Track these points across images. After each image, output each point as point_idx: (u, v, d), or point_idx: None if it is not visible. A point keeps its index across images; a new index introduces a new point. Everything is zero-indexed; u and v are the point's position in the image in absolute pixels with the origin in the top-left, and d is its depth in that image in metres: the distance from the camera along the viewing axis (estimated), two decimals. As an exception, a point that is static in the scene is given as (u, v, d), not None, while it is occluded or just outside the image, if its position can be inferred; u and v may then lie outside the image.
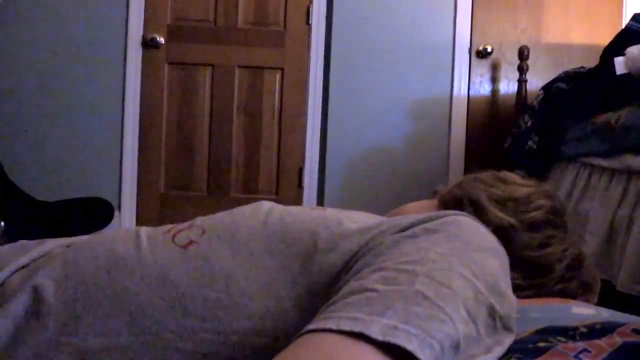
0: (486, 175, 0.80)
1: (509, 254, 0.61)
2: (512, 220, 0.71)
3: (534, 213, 0.72)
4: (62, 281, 0.57)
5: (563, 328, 0.54)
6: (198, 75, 2.91)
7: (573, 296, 0.73)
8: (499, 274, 0.52)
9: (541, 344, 0.50)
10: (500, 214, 0.71)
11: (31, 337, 0.54)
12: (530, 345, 0.50)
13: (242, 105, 2.94)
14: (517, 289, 0.67)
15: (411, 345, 0.39)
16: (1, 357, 0.53)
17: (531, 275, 0.70)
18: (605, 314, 0.59)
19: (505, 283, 0.53)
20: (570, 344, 0.51)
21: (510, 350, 0.49)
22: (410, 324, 0.41)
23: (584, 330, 0.53)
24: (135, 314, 0.54)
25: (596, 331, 0.53)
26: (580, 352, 0.51)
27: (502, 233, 0.67)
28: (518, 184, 0.77)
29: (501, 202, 0.73)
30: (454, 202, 0.75)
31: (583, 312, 0.59)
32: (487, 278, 0.50)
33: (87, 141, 2.84)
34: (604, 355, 0.51)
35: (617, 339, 0.53)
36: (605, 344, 0.52)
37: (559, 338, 0.52)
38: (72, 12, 2.81)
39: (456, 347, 0.43)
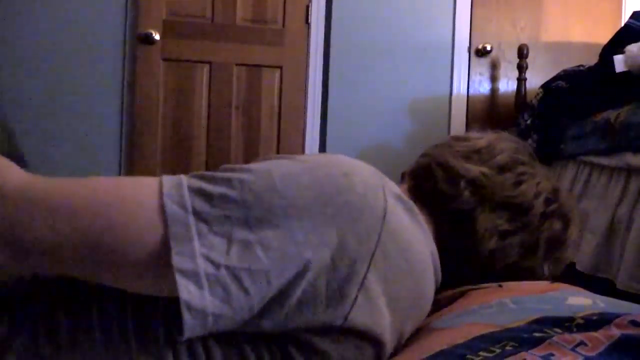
0: (445, 139, 0.82)
1: (487, 202, 0.67)
2: (482, 168, 0.72)
3: (499, 156, 0.74)
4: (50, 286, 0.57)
5: (559, 318, 0.53)
6: (195, 72, 2.89)
7: (559, 238, 0.74)
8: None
9: (537, 334, 0.49)
10: (469, 166, 0.72)
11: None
12: (525, 335, 0.49)
13: (241, 104, 2.93)
14: (507, 235, 0.70)
15: None
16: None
17: (514, 217, 0.71)
18: (602, 304, 0.58)
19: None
20: (567, 336, 0.50)
21: (504, 338, 0.48)
22: None
23: (581, 321, 0.52)
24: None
25: (593, 323, 0.52)
26: (577, 344, 0.50)
27: (476, 183, 0.70)
28: (477, 137, 0.79)
29: (466, 156, 0.74)
30: (423, 170, 0.76)
31: (579, 302, 0.59)
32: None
33: (87, 140, 2.84)
34: (601, 348, 0.50)
35: (614, 332, 0.52)
36: (602, 336, 0.51)
37: (555, 329, 0.51)
38: (71, 10, 2.80)
39: None
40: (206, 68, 2.89)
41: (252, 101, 2.93)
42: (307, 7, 2.95)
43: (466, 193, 0.70)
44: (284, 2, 2.93)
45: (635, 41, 2.07)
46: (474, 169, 0.71)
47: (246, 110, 2.93)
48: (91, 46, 2.81)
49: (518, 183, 0.72)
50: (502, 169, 0.73)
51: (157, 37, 2.80)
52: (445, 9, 3.02)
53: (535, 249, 0.73)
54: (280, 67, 2.94)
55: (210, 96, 2.90)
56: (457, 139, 0.80)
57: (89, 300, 0.55)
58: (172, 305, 0.48)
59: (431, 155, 0.77)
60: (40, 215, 0.48)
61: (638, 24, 2.26)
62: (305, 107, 2.97)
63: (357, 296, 0.52)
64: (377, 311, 0.54)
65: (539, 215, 0.72)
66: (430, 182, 0.73)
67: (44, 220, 0.48)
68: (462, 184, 0.70)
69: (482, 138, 0.78)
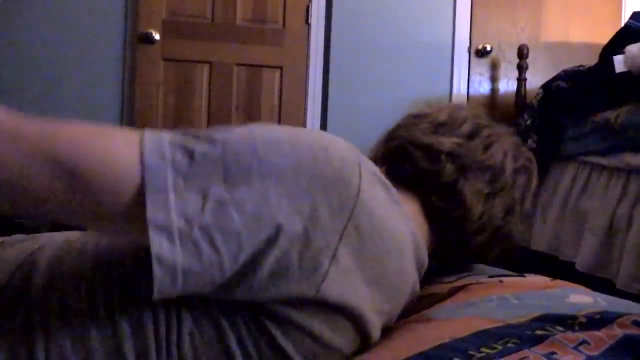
0: (404, 119, 0.84)
1: (467, 170, 0.70)
2: (454, 139, 0.74)
3: (465, 125, 0.76)
4: (46, 277, 0.58)
5: (562, 316, 0.53)
6: (195, 72, 2.88)
7: (526, 191, 0.78)
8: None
9: (539, 332, 0.49)
10: (442, 140, 0.74)
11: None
12: (528, 332, 0.49)
13: (241, 104, 2.93)
14: (489, 197, 0.73)
15: None
16: None
17: (491, 179, 0.74)
18: (603, 302, 0.58)
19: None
20: (570, 335, 0.50)
21: (506, 335, 0.48)
22: None
23: (583, 320, 0.52)
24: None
25: (595, 321, 0.52)
26: (580, 344, 0.50)
27: (454, 154, 0.73)
28: (435, 111, 0.80)
29: (434, 131, 0.76)
30: (397, 153, 0.78)
31: (580, 300, 0.59)
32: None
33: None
34: (604, 348, 0.50)
35: (617, 331, 0.52)
36: (605, 335, 0.51)
37: (557, 327, 0.51)
38: (71, 10, 2.80)
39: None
40: (206, 68, 2.89)
41: (252, 101, 2.93)
42: (307, 7, 2.94)
43: (448, 166, 0.72)
44: (284, 2, 2.93)
45: (635, 41, 2.07)
46: (447, 141, 0.74)
47: (246, 110, 2.93)
48: (91, 46, 2.80)
49: (488, 146, 0.75)
50: (470, 136, 0.75)
51: (157, 37, 2.80)
52: (445, 9, 3.01)
53: (513, 208, 0.77)
54: (280, 67, 2.94)
55: (211, 96, 2.89)
56: (417, 116, 0.82)
57: (80, 275, 0.56)
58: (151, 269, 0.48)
59: (401, 137, 0.79)
60: (22, 155, 0.47)
61: (638, 24, 2.26)
62: (305, 107, 2.96)
63: (329, 268, 0.52)
64: (350, 284, 0.54)
65: (512, 173, 0.76)
66: (409, 164, 0.75)
67: (26, 161, 0.47)
68: (443, 157, 0.72)
69: (441, 111, 0.80)
